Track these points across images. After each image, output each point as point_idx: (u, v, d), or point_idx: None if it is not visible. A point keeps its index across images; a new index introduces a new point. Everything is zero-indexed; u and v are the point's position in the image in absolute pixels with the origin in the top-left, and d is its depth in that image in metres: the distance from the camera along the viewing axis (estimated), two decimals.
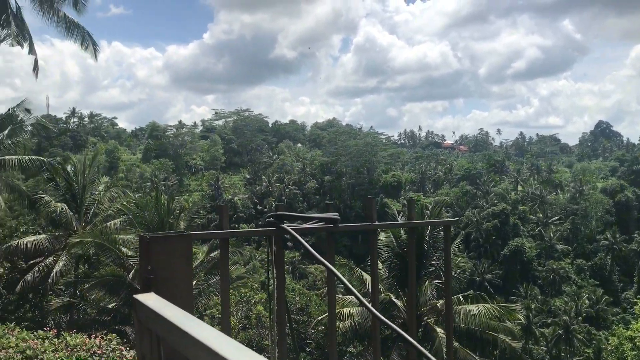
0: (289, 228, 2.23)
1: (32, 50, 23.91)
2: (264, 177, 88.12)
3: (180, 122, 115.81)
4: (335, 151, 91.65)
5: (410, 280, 3.13)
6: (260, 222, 72.23)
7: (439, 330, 20.48)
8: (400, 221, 25.51)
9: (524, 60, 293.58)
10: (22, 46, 23.18)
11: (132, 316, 1.29)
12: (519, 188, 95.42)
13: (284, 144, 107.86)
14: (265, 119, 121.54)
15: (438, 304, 21.59)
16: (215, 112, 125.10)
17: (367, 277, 22.27)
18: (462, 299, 22.37)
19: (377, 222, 2.73)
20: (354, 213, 75.97)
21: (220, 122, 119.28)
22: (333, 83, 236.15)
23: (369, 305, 2.02)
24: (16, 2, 23.48)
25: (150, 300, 1.20)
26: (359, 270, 22.88)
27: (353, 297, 23.74)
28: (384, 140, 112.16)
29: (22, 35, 23.11)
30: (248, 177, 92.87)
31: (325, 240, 2.56)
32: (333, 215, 2.44)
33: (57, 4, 23.67)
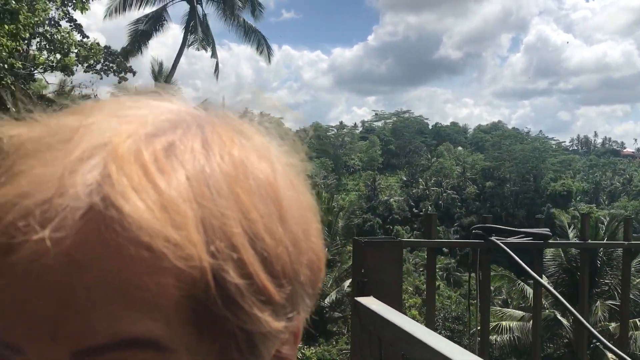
0: (498, 241, 2.11)
1: (214, 54, 26.16)
2: (420, 179, 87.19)
3: (341, 122, 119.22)
4: (499, 156, 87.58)
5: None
6: (416, 226, 71.54)
7: (610, 356, 18.70)
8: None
9: None
10: (206, 50, 25.47)
11: (352, 318, 1.29)
12: None
13: (444, 147, 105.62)
14: (425, 121, 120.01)
15: (610, 327, 19.69)
16: (376, 114, 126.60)
17: (530, 291, 20.98)
18: (639, 323, 20.14)
19: (589, 241, 2.49)
20: (517, 222, 72.01)
21: (380, 124, 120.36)
22: (499, 84, 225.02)
23: (581, 318, 1.84)
24: (203, 10, 25.86)
25: (374, 304, 1.19)
26: (521, 282, 21.61)
27: (512, 310, 22.53)
28: (553, 146, 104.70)
29: (207, 40, 25.38)
30: (405, 179, 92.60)
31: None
32: (544, 230, 2.27)
33: (237, 11, 25.65)
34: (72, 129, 0.40)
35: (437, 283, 31.77)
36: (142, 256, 0.36)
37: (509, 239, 2.24)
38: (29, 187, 0.37)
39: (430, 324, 2.07)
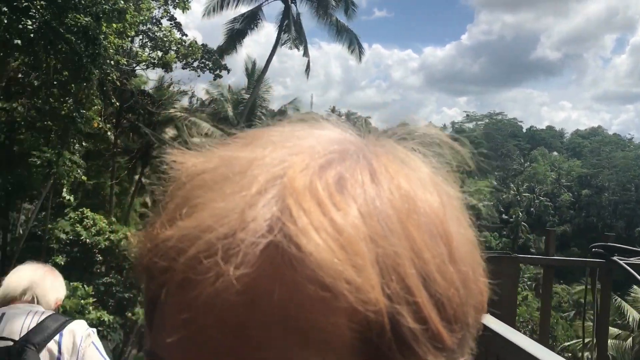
0: (621, 261, 1.97)
1: (305, 53, 26.54)
2: (512, 185, 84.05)
3: (430, 123, 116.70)
4: (598, 163, 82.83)
5: None
6: (505, 232, 69.05)
7: None
8: None
9: None
10: (298, 49, 25.89)
11: None
12: None
13: (538, 151, 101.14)
14: (519, 124, 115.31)
15: None
16: (467, 115, 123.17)
17: (627, 307, 19.67)
18: None
19: None
20: (615, 234, 67.56)
21: (471, 125, 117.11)
22: (601, 87, 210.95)
23: None
24: (297, 9, 26.28)
25: (492, 323, 1.15)
26: (618, 299, 20.24)
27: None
28: None
29: (299, 39, 25.79)
30: (495, 183, 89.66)
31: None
32: None
33: (331, 10, 25.87)
34: (246, 160, 0.40)
35: (525, 293, 30.48)
36: (320, 296, 0.35)
37: (631, 259, 2.07)
38: (211, 221, 0.37)
39: (543, 343, 1.96)
